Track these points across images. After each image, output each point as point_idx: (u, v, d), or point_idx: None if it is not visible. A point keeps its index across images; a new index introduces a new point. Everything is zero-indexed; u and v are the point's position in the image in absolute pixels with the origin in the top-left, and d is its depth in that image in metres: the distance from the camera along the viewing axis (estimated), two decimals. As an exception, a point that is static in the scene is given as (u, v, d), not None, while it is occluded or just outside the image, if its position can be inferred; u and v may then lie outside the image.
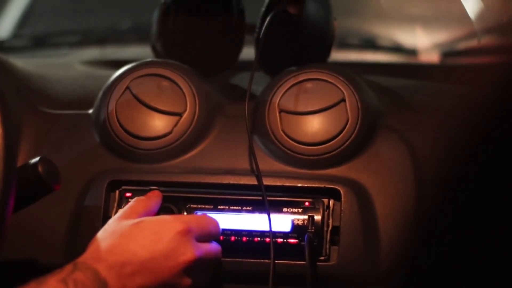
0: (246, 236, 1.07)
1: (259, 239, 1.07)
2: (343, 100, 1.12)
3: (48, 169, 0.97)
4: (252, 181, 1.09)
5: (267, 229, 1.06)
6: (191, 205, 1.09)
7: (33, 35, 1.94)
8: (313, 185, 1.09)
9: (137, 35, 1.76)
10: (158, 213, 1.07)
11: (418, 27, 1.87)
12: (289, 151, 1.11)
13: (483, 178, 1.08)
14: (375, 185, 1.10)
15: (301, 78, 1.15)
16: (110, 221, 1.02)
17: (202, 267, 1.01)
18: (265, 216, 1.06)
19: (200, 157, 1.14)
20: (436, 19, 1.82)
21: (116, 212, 1.09)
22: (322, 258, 1.07)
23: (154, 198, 1.08)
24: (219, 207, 1.09)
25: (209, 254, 1.02)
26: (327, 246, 1.07)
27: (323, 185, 1.09)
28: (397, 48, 1.82)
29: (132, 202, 1.06)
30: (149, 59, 1.22)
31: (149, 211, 1.05)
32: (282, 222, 1.07)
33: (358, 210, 1.08)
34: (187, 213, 1.08)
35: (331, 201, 1.08)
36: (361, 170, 1.11)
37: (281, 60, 1.21)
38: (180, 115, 1.15)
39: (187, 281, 0.99)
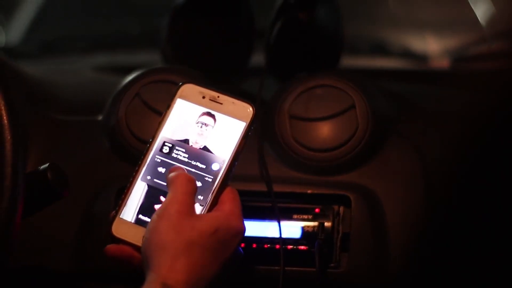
0: (255, 242, 1.06)
1: (269, 245, 1.06)
2: (353, 106, 1.12)
3: (57, 175, 0.97)
4: (262, 187, 1.09)
5: (277, 235, 1.05)
6: (201, 212, 1.09)
7: (43, 41, 1.94)
8: (323, 192, 1.09)
9: (147, 41, 1.76)
10: None
11: (429, 33, 1.87)
12: (299, 158, 1.11)
13: (493, 185, 1.07)
14: (385, 191, 1.09)
15: (311, 84, 1.14)
16: (174, 219, 0.86)
17: None
18: (275, 222, 1.06)
19: (209, 163, 1.13)
20: (447, 25, 1.81)
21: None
22: (332, 265, 1.06)
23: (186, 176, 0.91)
24: (228, 213, 1.08)
25: None
26: (337, 253, 1.07)
27: (333, 192, 1.09)
28: (408, 54, 1.82)
29: (181, 186, 0.88)
30: (159, 65, 1.22)
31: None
32: (292, 228, 1.07)
33: (368, 216, 1.07)
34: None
35: (341, 208, 1.08)
36: (371, 176, 1.10)
37: (291, 66, 1.20)
38: (189, 121, 1.14)
39: None
